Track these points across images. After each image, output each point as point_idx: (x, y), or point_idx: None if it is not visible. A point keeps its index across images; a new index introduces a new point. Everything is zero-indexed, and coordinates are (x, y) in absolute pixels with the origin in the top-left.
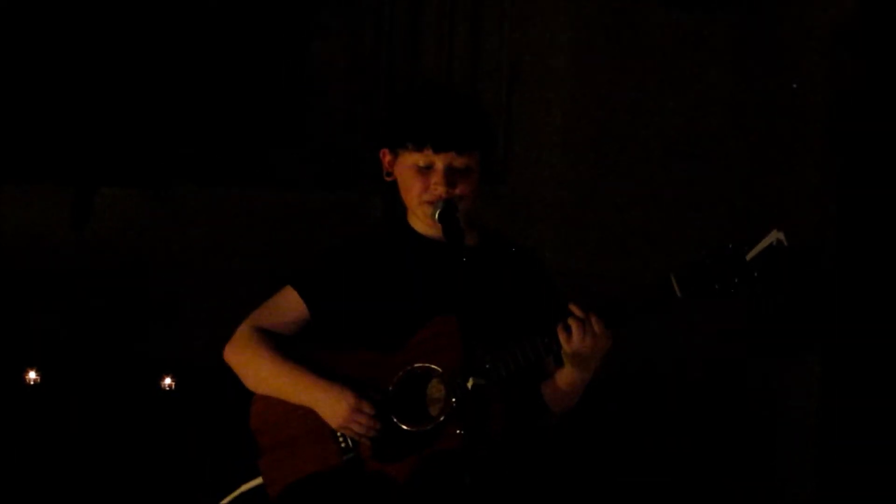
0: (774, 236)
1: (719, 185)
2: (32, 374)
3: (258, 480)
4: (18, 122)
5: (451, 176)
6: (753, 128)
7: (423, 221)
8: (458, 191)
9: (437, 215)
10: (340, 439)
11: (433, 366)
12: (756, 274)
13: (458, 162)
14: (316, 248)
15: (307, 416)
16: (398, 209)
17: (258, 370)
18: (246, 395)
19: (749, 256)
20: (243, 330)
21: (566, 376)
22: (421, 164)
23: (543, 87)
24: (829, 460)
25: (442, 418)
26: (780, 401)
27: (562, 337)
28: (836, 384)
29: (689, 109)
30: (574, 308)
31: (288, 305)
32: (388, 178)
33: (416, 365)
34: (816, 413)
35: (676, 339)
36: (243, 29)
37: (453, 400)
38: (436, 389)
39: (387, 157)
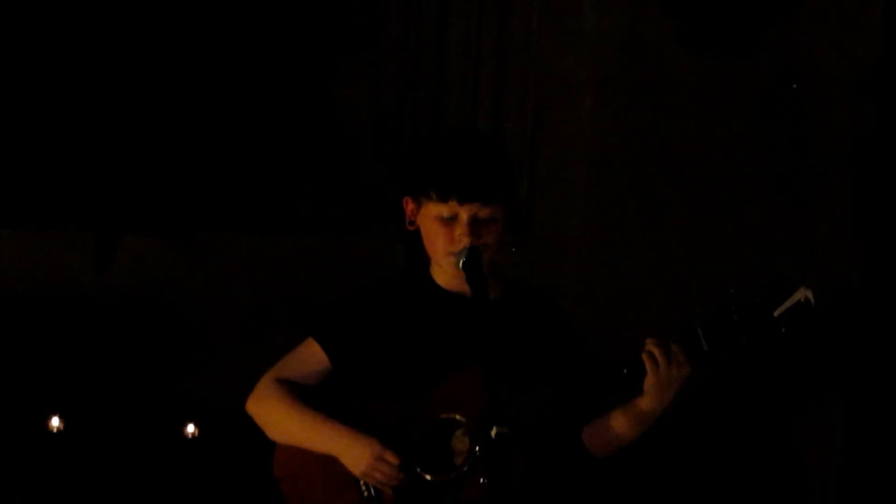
0: (802, 293)
1: (746, 233)
2: (55, 421)
3: None
4: (43, 168)
5: (475, 226)
6: (777, 174)
7: (447, 273)
8: (482, 241)
9: (461, 264)
10: (363, 488)
11: (457, 416)
12: (783, 330)
13: (484, 212)
14: (340, 295)
15: (330, 464)
16: (421, 258)
17: (281, 420)
18: (269, 444)
19: (777, 313)
20: (265, 381)
21: (647, 406)
22: (445, 215)
23: (567, 132)
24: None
25: (466, 468)
26: (802, 452)
27: (649, 365)
28: (860, 436)
29: (713, 155)
30: (651, 340)
31: (310, 357)
32: (410, 228)
33: (441, 415)
34: (839, 466)
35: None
36: (268, 76)
37: (477, 448)
38: (460, 441)
39: (409, 206)
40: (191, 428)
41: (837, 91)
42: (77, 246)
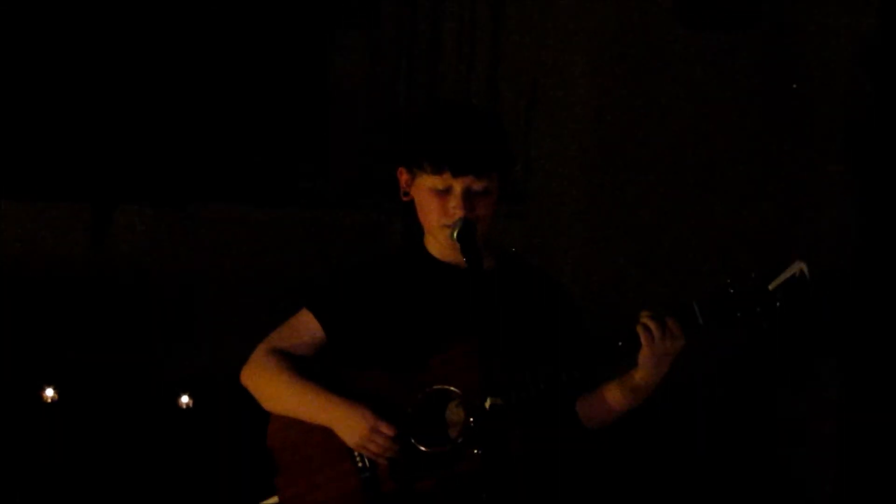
0: (797, 267)
1: (739, 205)
2: (50, 392)
3: (274, 499)
4: (39, 141)
5: (469, 199)
6: (773, 147)
7: (441, 244)
8: (476, 213)
9: (455, 235)
10: (358, 459)
11: (452, 388)
12: (778, 304)
13: (477, 185)
14: (335, 267)
15: (325, 435)
16: (416, 229)
17: (276, 391)
18: (263, 414)
19: (772, 286)
20: (260, 352)
21: (641, 378)
22: (439, 187)
23: (563, 106)
24: (849, 479)
25: (460, 440)
26: (799, 423)
27: (644, 337)
28: (856, 404)
29: (708, 129)
30: (646, 313)
31: (304, 327)
32: (405, 198)
33: (435, 387)
34: (836, 435)
35: (695, 362)
36: (263, 48)
37: (471, 420)
38: (454, 413)
39: (404, 177)
40: (185, 399)
41: (833, 62)
42: (73, 218)
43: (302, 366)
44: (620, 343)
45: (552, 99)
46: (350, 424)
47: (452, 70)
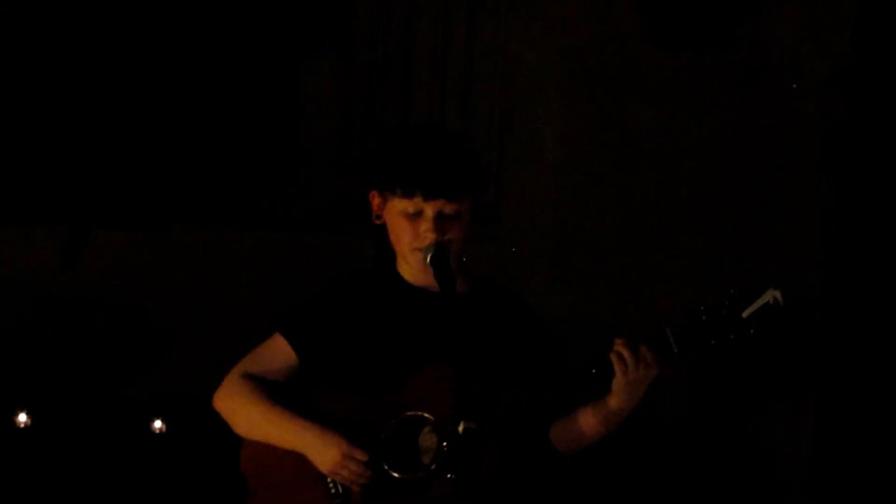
0: (771, 294)
1: (712, 230)
2: (23, 417)
3: None
4: (12, 163)
5: (440, 222)
6: (747, 168)
7: (413, 268)
8: (448, 236)
9: (428, 259)
10: (331, 485)
11: (425, 414)
12: (752, 331)
13: (449, 208)
14: (308, 290)
15: (297, 460)
16: (388, 253)
17: (248, 416)
18: (236, 439)
19: (746, 314)
20: (233, 377)
21: (614, 405)
22: (410, 210)
23: (535, 128)
24: None
25: (433, 465)
26: (773, 450)
27: (617, 365)
28: (830, 432)
29: (681, 150)
30: (620, 340)
31: (278, 352)
32: (377, 221)
33: (408, 413)
34: (809, 461)
35: (669, 390)
36: (236, 72)
37: (444, 445)
38: (427, 439)
39: (376, 200)
40: (158, 423)
41: (808, 85)
42: (46, 241)
43: (275, 391)
44: (594, 370)
45: (525, 121)
46: (323, 450)
47: (425, 92)
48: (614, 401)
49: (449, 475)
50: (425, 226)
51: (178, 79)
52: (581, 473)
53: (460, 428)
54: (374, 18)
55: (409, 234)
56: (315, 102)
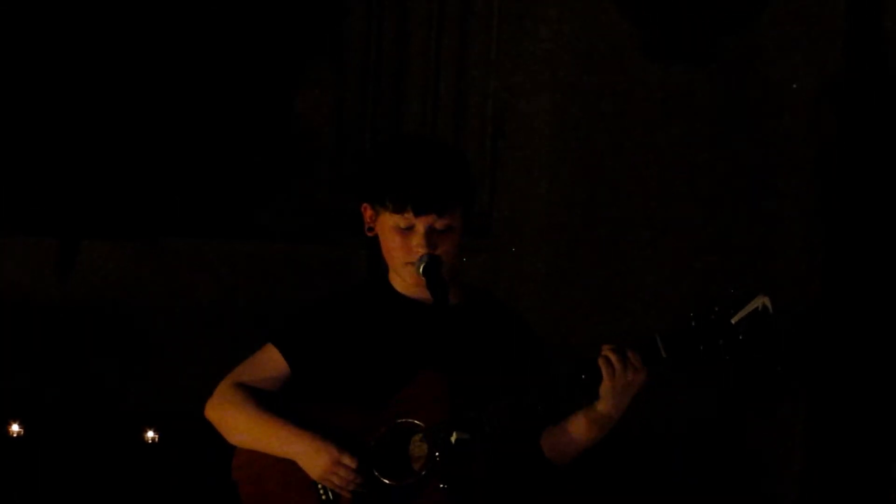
0: (760, 301)
1: (704, 241)
2: (16, 427)
3: None
4: (5, 173)
5: (431, 237)
6: (738, 182)
7: (406, 281)
8: (439, 250)
9: (420, 269)
10: (321, 491)
11: (416, 422)
12: (741, 337)
13: (440, 223)
14: (301, 301)
15: (289, 468)
16: (381, 264)
17: (239, 424)
18: (228, 448)
19: (734, 320)
20: (224, 386)
21: (604, 410)
22: (402, 225)
23: (527, 140)
24: None
25: (424, 473)
26: (763, 452)
27: (605, 370)
28: (821, 433)
29: (671, 163)
30: (608, 346)
31: (269, 362)
32: (369, 234)
33: (399, 421)
34: (801, 462)
35: (660, 394)
36: (230, 81)
37: (437, 454)
38: (417, 447)
39: (368, 212)
40: (150, 433)
41: (799, 99)
42: (39, 252)
43: (266, 400)
44: (583, 376)
45: (517, 133)
46: (313, 457)
47: (418, 103)
48: (602, 406)
49: (442, 485)
50: (416, 241)
51: (172, 90)
52: (572, 482)
53: (453, 438)
54: (365, 29)
55: (401, 248)
56: (309, 114)
